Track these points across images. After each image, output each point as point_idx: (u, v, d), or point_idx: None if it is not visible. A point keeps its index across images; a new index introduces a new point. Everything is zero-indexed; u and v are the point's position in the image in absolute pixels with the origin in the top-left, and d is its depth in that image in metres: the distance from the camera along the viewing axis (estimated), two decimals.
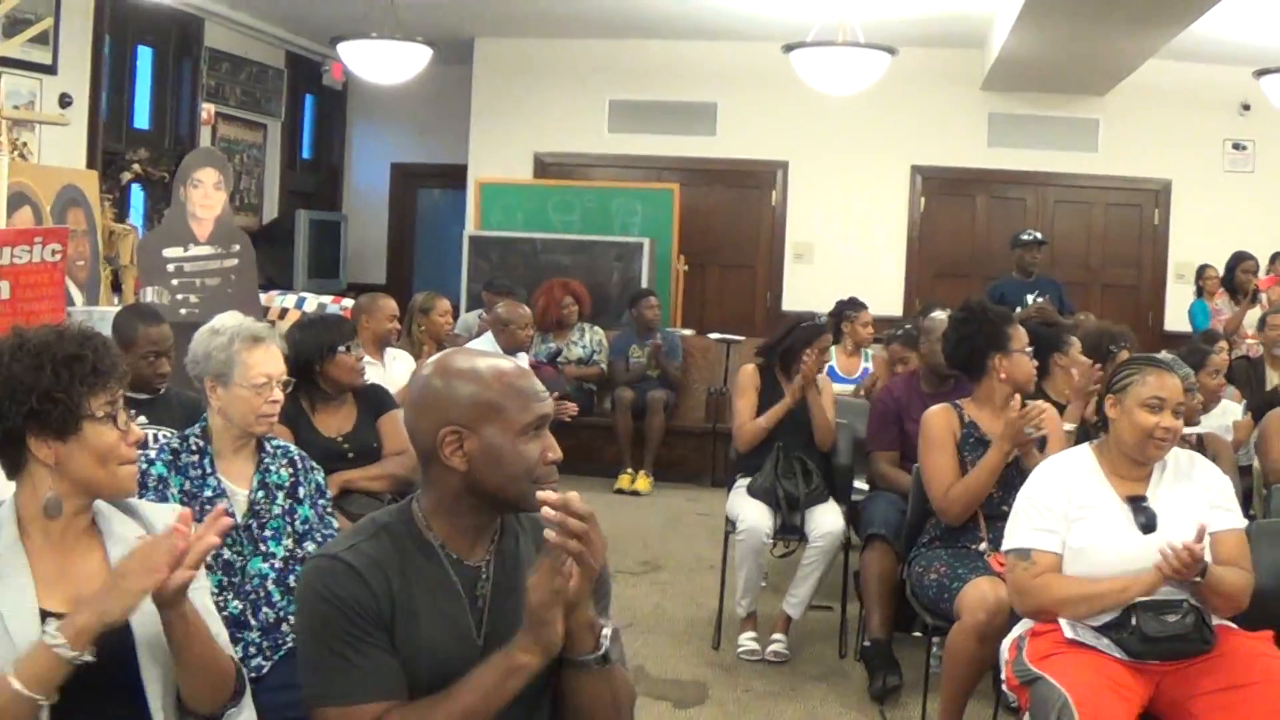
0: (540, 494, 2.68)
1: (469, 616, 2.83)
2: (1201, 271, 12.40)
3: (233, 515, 3.92)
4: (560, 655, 2.78)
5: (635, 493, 10.69)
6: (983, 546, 5.13)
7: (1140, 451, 4.34)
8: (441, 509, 2.86)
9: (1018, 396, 5.26)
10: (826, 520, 6.50)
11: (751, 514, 6.48)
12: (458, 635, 2.80)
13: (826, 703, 6.13)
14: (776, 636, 6.58)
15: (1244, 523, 4.45)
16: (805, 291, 12.54)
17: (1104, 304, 12.59)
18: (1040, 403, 5.20)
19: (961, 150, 13.33)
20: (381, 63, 11.35)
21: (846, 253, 13.37)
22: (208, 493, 4.11)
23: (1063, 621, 4.18)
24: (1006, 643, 4.40)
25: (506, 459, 2.78)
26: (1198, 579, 4.08)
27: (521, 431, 2.80)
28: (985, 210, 13.43)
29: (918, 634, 5.92)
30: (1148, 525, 4.24)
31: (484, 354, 2.98)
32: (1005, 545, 4.41)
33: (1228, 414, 7.24)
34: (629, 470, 10.82)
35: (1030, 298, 10.41)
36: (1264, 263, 12.22)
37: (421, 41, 11.09)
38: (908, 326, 8.28)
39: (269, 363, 4.28)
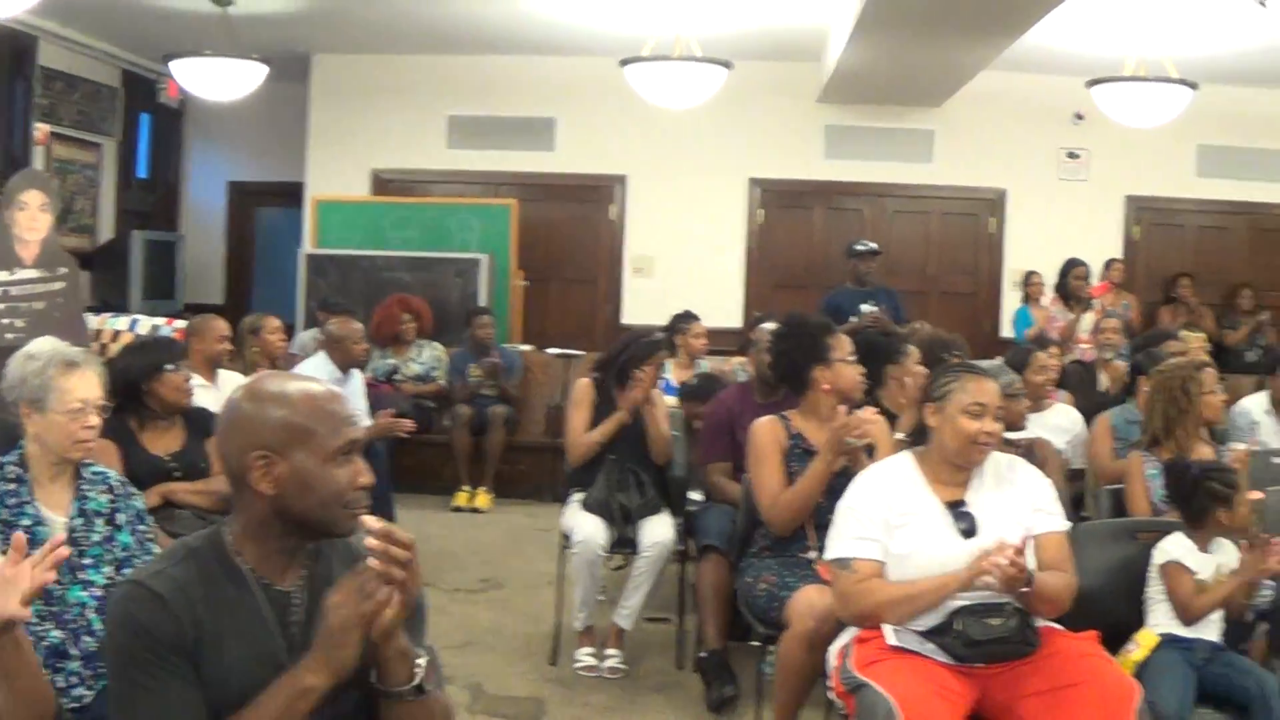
0: (365, 520, 2.68)
1: (279, 642, 2.79)
2: (1028, 278, 12.59)
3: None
4: (376, 686, 2.76)
5: (475, 510, 10.59)
6: (812, 555, 5.14)
7: (963, 457, 4.39)
8: (251, 533, 2.82)
9: (843, 408, 5.27)
10: (656, 531, 6.50)
11: (585, 528, 6.45)
12: (267, 662, 2.75)
13: (664, 715, 6.13)
14: (611, 651, 6.56)
15: (1066, 525, 4.51)
16: (645, 305, 12.55)
17: (941, 312, 12.67)
18: (862, 412, 5.21)
19: (799, 162, 13.39)
20: (216, 80, 11.18)
21: (686, 266, 13.36)
22: (25, 521, 3.98)
23: (886, 628, 4.20)
24: (833, 650, 4.41)
25: (316, 484, 2.76)
26: (1024, 589, 4.12)
27: (331, 456, 2.78)
28: (823, 221, 13.50)
29: (756, 643, 5.92)
30: (969, 530, 4.29)
31: (297, 377, 2.94)
32: (827, 554, 4.44)
33: (1061, 416, 7.31)
34: (466, 487, 10.71)
35: (865, 307, 10.48)
36: (1097, 269, 12.42)
37: (257, 58, 10.95)
38: None
39: (85, 388, 4.18)
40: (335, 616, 2.66)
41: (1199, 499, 4.93)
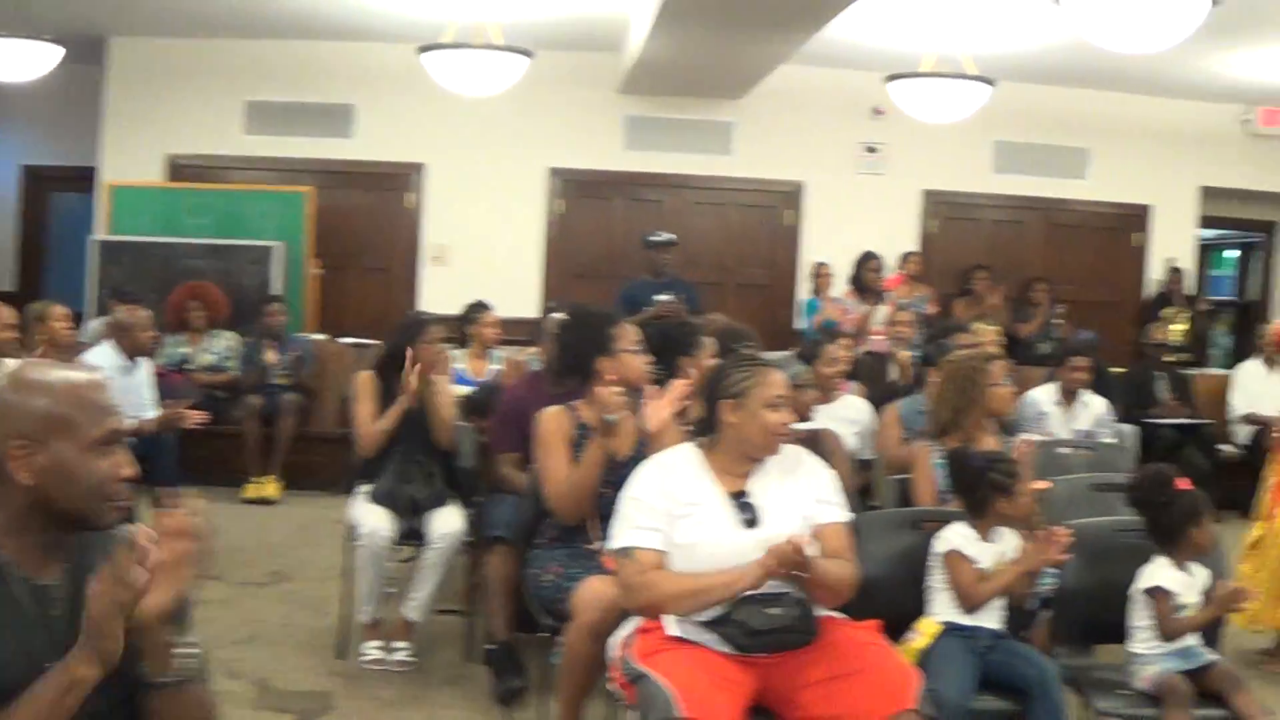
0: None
1: (41, 637, 2.69)
2: (816, 269, 12.72)
3: None
4: (140, 678, 2.71)
5: (264, 500, 10.42)
6: (597, 545, 5.09)
7: (766, 449, 4.41)
8: (10, 525, 2.72)
9: (603, 388, 5.22)
10: (445, 523, 6.43)
11: (371, 520, 6.36)
12: (28, 657, 2.65)
13: (452, 707, 6.05)
14: (400, 644, 6.47)
15: (848, 516, 4.53)
16: (443, 294, 12.36)
17: (738, 303, 12.76)
18: (610, 388, 5.17)
19: (599, 153, 13.37)
20: (9, 61, 10.89)
21: (484, 255, 13.24)
22: None
23: (668, 618, 4.19)
24: (615, 641, 4.37)
25: (76, 474, 2.69)
26: (804, 574, 4.11)
27: (92, 446, 2.70)
28: (622, 212, 13.48)
29: (545, 634, 5.88)
30: (751, 521, 4.28)
31: (62, 366, 2.86)
32: (610, 545, 4.40)
33: (849, 408, 7.35)
34: (256, 478, 10.53)
35: (661, 298, 10.48)
36: (895, 262, 12.57)
37: (51, 40, 10.66)
38: None
39: None
40: (95, 605, 2.56)
41: (980, 489, 4.98)
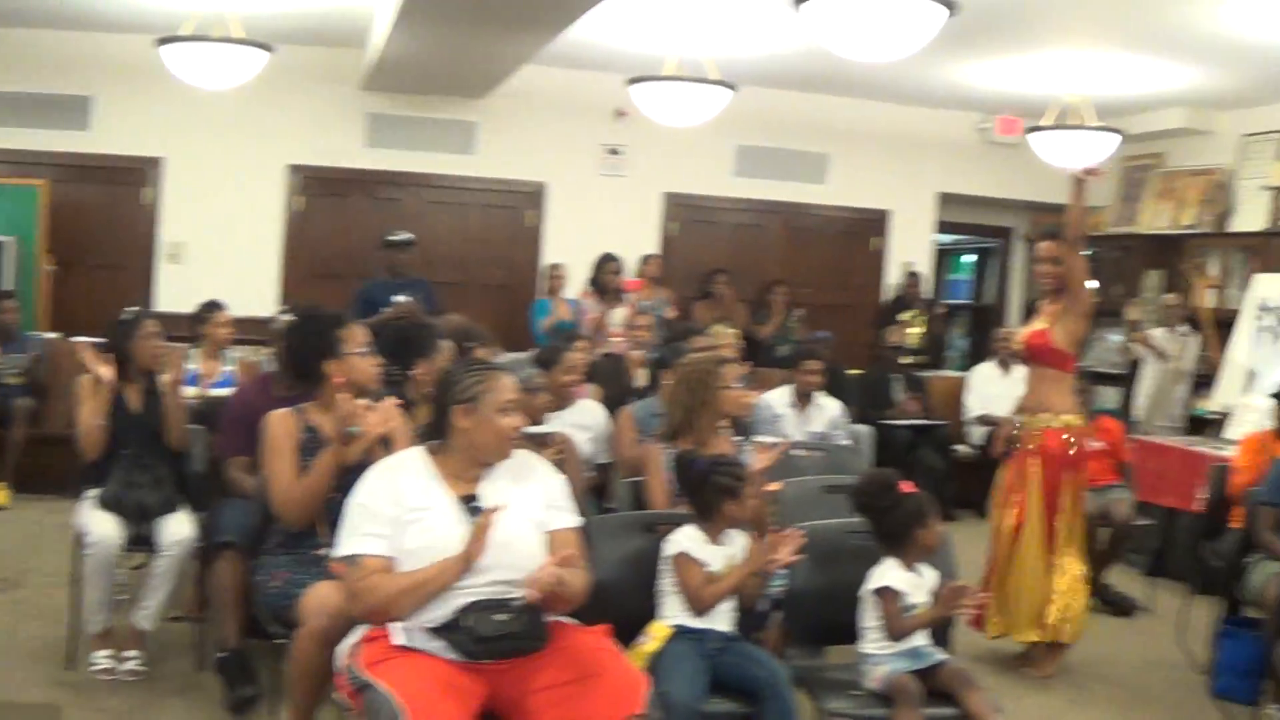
0: None
1: None
2: (550, 270, 12.72)
3: None
4: None
5: None
6: (324, 551, 5.01)
7: (499, 454, 4.41)
8: None
9: (346, 396, 5.16)
10: (175, 529, 6.27)
11: (100, 526, 6.17)
12: None
13: (182, 717, 5.94)
14: (131, 652, 6.31)
15: (579, 521, 4.54)
16: (178, 293, 12.01)
17: (479, 304, 12.64)
18: (350, 399, 5.12)
19: (340, 150, 13.15)
20: None
21: (221, 253, 12.89)
22: None
23: (394, 626, 4.15)
24: (342, 649, 4.31)
25: None
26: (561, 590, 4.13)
27: None
28: (363, 211, 13.24)
29: (278, 641, 5.78)
30: None
31: None
32: (337, 552, 4.34)
33: (585, 414, 7.34)
34: None
35: (399, 298, 10.39)
36: (634, 264, 12.63)
37: None
38: None
39: None
40: None
41: (706, 491, 5.01)
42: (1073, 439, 7.07)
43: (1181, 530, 9.63)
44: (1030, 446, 7.09)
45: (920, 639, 5.05)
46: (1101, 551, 8.56)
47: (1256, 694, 6.61)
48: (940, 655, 5.06)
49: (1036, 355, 7.15)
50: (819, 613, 5.24)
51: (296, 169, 13.08)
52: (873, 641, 5.02)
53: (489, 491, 4.37)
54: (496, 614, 4.14)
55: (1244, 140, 13.53)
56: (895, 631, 4.98)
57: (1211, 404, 11.68)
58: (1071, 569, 7.09)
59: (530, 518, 4.34)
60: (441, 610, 4.17)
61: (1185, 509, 9.39)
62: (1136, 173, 14.94)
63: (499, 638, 4.13)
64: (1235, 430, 10.03)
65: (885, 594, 5.01)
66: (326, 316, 5.67)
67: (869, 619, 5.04)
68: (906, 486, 5.17)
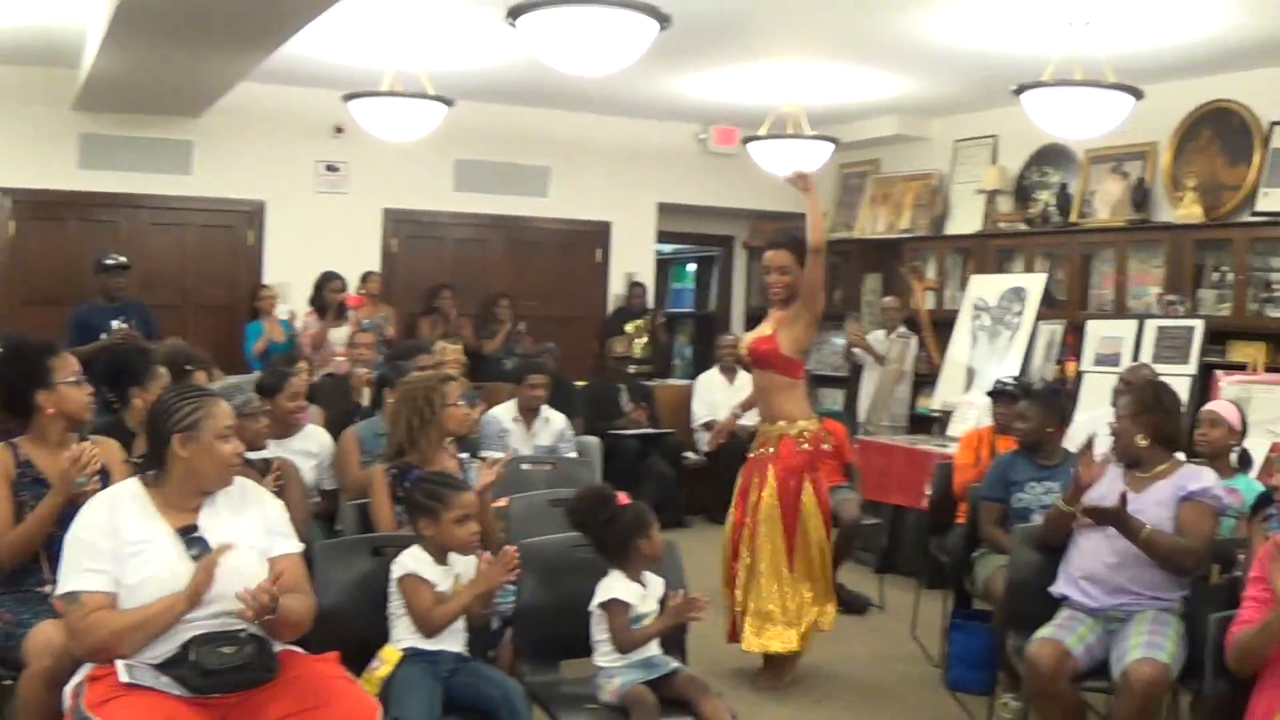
0: None
1: None
2: (256, 292, 12.49)
3: None
4: None
5: None
6: (48, 589, 4.83)
7: (220, 482, 4.30)
8: None
9: (75, 445, 4.97)
10: None
11: None
12: None
13: None
14: None
15: (300, 547, 4.45)
16: None
17: (200, 325, 12.43)
18: (87, 446, 4.93)
19: (52, 172, 12.69)
20: None
21: None
22: None
23: (119, 664, 4.00)
24: (68, 690, 4.16)
25: None
26: (270, 616, 4.02)
27: None
28: (78, 234, 12.80)
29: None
30: (200, 556, 4.15)
31: None
32: (57, 590, 4.19)
33: (310, 441, 7.19)
34: None
35: (115, 323, 10.11)
36: (355, 282, 12.48)
37: None
38: None
39: None
40: None
41: (412, 511, 4.96)
42: (809, 444, 7.13)
43: (908, 527, 9.88)
44: (769, 451, 7.13)
45: (653, 649, 5.06)
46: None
47: (990, 684, 6.79)
48: (674, 664, 5.07)
49: (764, 362, 7.15)
50: (551, 628, 5.20)
51: (7, 192, 12.61)
52: (604, 655, 5.01)
53: (209, 521, 4.25)
54: (223, 646, 4.04)
55: (956, 145, 13.93)
56: (624, 644, 4.98)
57: (933, 403, 11.95)
58: (811, 580, 7.15)
59: (252, 546, 4.24)
60: (166, 645, 4.05)
61: (911, 506, 9.62)
62: (853, 179, 15.30)
63: (227, 670, 4.03)
64: (956, 428, 10.29)
65: (611, 607, 5.00)
66: (36, 345, 5.45)
67: (598, 632, 5.03)
68: (623, 498, 5.17)
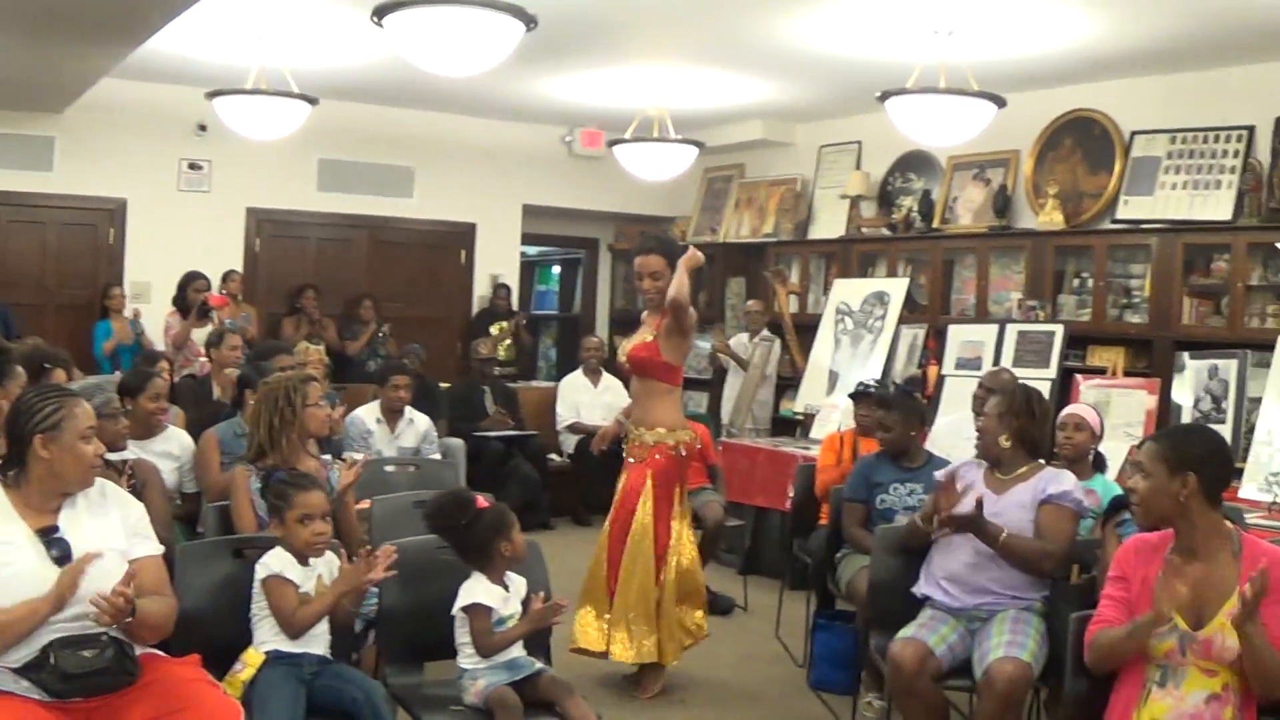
0: None
1: None
2: (106, 291, 12.32)
3: None
4: None
5: None
6: None
7: (80, 483, 4.25)
8: None
9: None
10: None
11: None
12: None
13: None
14: None
15: (161, 549, 4.40)
16: None
17: (60, 324, 12.28)
18: None
19: None
20: None
21: None
22: None
23: None
24: None
25: None
26: (129, 619, 3.97)
27: None
28: None
29: None
30: (62, 558, 4.09)
31: None
32: None
33: (171, 443, 7.08)
34: None
35: None
36: (217, 281, 12.36)
37: None
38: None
39: None
40: None
41: (279, 511, 4.91)
42: (684, 453, 7.12)
43: (772, 529, 9.94)
44: (639, 460, 7.11)
45: (517, 651, 5.06)
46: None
47: (854, 684, 6.86)
48: (538, 665, 5.07)
49: (643, 368, 7.12)
50: (414, 630, 5.18)
51: None
52: (467, 657, 5.00)
53: (69, 523, 4.19)
54: (83, 650, 3.99)
55: (821, 151, 14.05)
56: (487, 649, 4.98)
57: (796, 406, 12.04)
58: (680, 592, 7.14)
59: (113, 548, 4.17)
60: (26, 649, 3.99)
61: (775, 508, 9.67)
62: (717, 183, 15.38)
63: (87, 674, 3.98)
64: (819, 430, 10.37)
65: (474, 611, 4.99)
66: None
67: (461, 635, 5.01)
68: (482, 501, 5.16)
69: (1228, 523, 4.36)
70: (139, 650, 4.16)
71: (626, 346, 7.28)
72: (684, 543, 7.15)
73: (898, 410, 7.08)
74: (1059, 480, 5.71)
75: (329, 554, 4.95)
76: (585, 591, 7.18)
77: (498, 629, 5.02)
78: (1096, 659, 4.29)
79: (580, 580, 7.21)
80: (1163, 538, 4.33)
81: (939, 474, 6.06)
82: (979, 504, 5.54)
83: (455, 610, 5.01)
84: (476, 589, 5.03)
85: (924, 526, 5.76)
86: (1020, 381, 7.65)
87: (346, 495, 5.65)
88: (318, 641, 4.78)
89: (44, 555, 4.09)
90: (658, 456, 7.06)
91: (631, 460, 7.20)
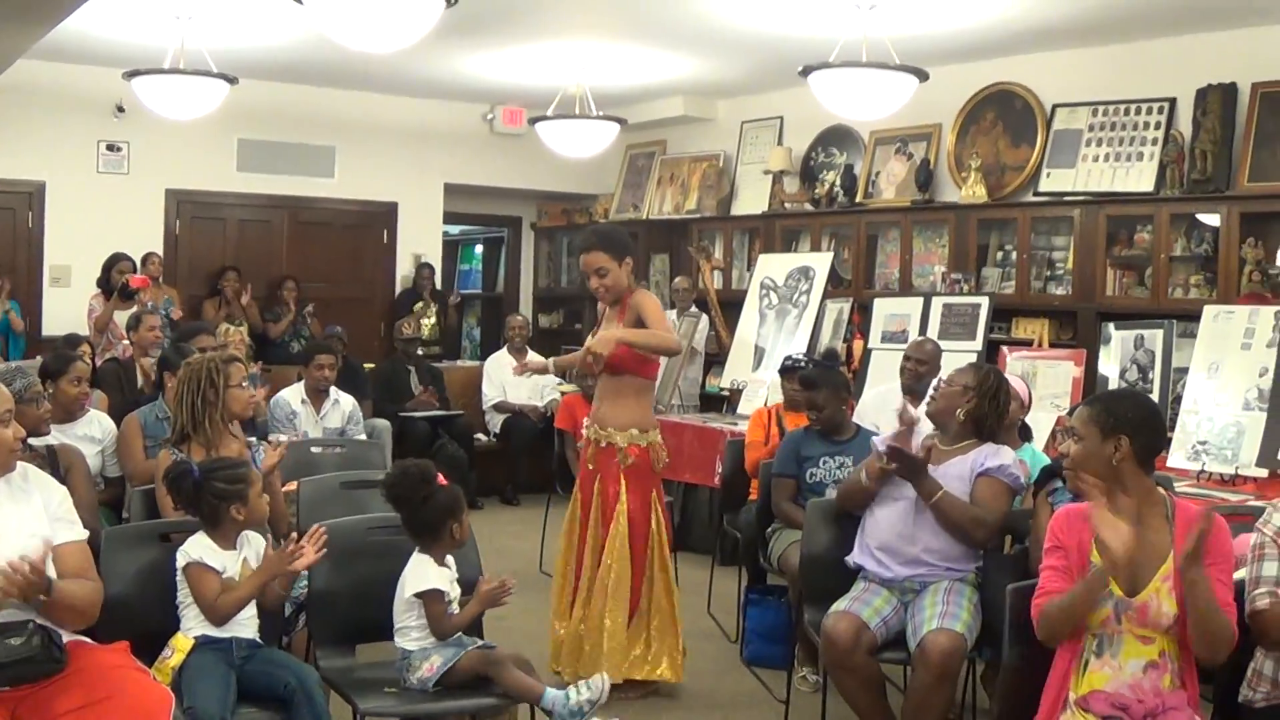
0: None
1: None
2: None
3: None
4: None
5: None
6: None
7: (4, 466, 4.19)
8: None
9: None
10: None
11: None
12: None
13: None
14: None
15: (85, 534, 4.35)
16: None
17: None
18: None
19: None
20: None
21: None
22: None
23: None
24: None
25: None
26: (44, 596, 3.90)
27: None
28: None
29: None
30: None
31: None
32: None
33: (93, 426, 6.99)
34: None
35: None
36: (139, 262, 12.24)
37: None
38: None
39: None
40: None
41: (206, 500, 4.83)
42: (656, 456, 6.85)
43: (701, 505, 9.96)
44: (609, 465, 6.75)
45: None
46: None
47: (788, 658, 6.86)
48: (478, 641, 5.05)
49: (617, 365, 6.62)
50: (345, 612, 5.14)
51: None
52: (415, 639, 4.94)
53: None
54: (9, 638, 3.93)
55: (743, 126, 14.05)
56: (444, 632, 4.96)
57: (723, 381, 12.03)
58: (662, 605, 6.82)
59: (35, 533, 4.10)
60: None
61: (703, 484, 9.67)
62: (640, 160, 15.36)
63: (13, 663, 3.92)
64: (747, 406, 10.38)
65: (430, 596, 4.94)
66: None
67: (408, 619, 4.96)
68: (440, 479, 5.12)
69: (1160, 489, 4.37)
70: (66, 638, 4.10)
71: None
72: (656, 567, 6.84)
73: (825, 388, 7.07)
74: (998, 455, 5.71)
75: (255, 536, 4.89)
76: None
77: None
78: (1049, 630, 4.27)
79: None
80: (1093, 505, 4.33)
81: (867, 420, 6.04)
82: (928, 453, 5.54)
83: (408, 595, 4.95)
84: (428, 573, 4.98)
85: (868, 484, 5.74)
86: (933, 352, 7.71)
87: (272, 477, 5.58)
88: (246, 626, 4.72)
89: None
90: (631, 460, 6.71)
91: (593, 468, 6.82)
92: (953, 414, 5.78)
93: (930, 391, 6.07)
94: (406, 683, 4.93)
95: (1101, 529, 4.07)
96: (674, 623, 6.82)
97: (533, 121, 12.37)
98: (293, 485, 6.20)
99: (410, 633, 4.97)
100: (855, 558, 5.78)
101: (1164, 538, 4.21)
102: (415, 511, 5.06)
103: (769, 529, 7.16)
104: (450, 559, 5.12)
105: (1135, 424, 4.26)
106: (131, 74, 10.40)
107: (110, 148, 13.23)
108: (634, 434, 6.74)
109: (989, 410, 5.78)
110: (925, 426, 5.88)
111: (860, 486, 5.82)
